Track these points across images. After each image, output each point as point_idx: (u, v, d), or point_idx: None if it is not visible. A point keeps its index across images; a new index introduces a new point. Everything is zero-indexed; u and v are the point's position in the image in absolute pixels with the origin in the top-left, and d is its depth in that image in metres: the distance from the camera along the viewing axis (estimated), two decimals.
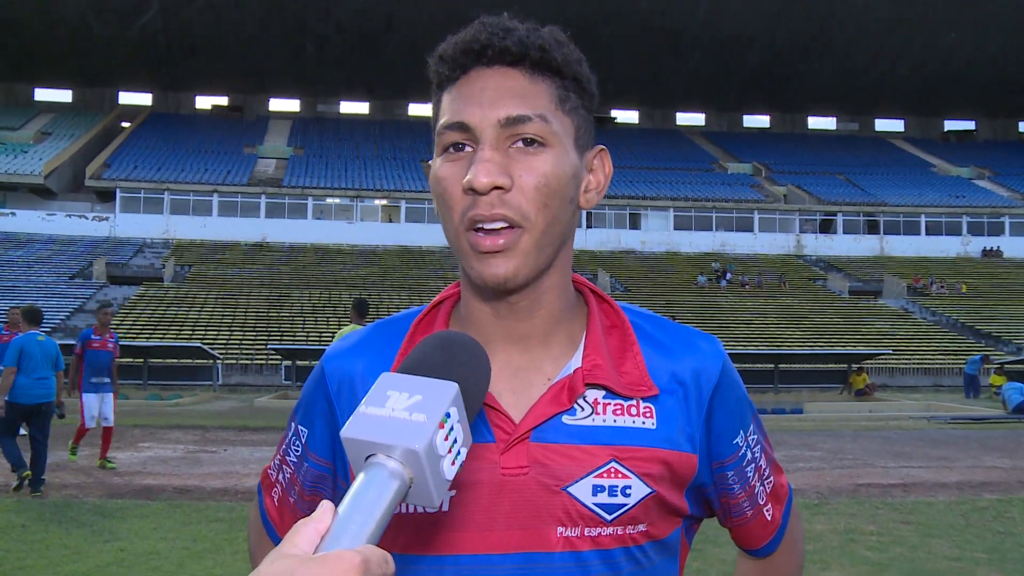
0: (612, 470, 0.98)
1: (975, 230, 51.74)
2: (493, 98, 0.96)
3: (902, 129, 69.15)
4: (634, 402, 1.01)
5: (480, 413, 0.98)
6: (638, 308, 1.11)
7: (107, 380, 9.83)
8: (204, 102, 64.25)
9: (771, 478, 1.13)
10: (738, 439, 1.07)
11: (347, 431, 0.74)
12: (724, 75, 62.11)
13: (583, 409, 1.00)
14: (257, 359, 29.81)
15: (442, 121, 0.98)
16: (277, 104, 64.68)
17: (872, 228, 52.10)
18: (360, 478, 0.72)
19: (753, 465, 1.09)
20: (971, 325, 37.71)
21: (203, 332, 31.09)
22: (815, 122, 69.40)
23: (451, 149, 0.98)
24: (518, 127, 0.95)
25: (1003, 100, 64.90)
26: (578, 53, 1.02)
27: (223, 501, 7.92)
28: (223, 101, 64.13)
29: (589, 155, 1.04)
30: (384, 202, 50.27)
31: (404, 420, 0.74)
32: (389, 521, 0.72)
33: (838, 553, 6.06)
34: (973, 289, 43.07)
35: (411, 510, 0.98)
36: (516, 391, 1.02)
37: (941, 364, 32.72)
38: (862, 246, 50.66)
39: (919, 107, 66.92)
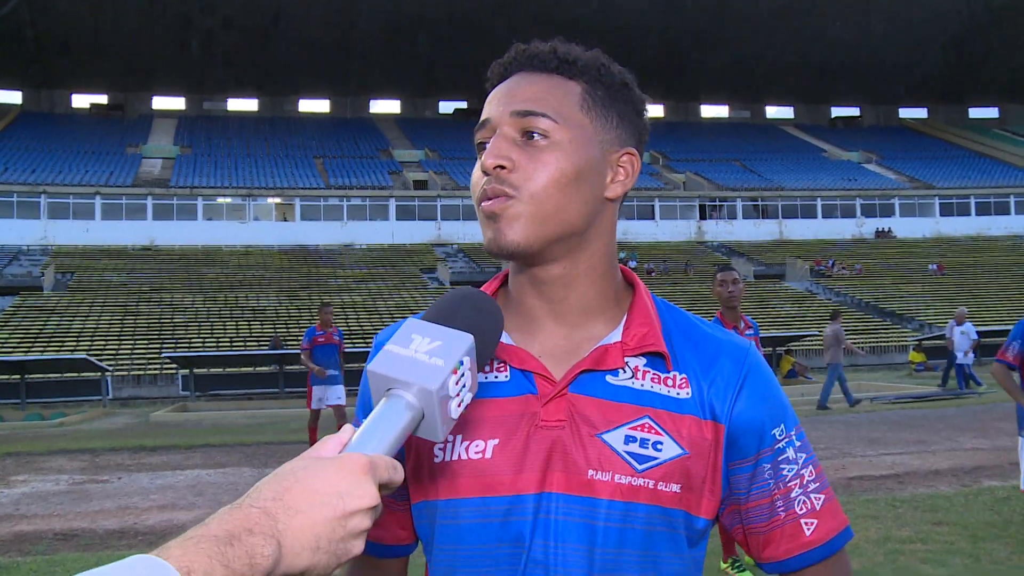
0: (646, 425, 1.03)
1: (868, 212, 52.86)
2: (510, 96, 1.07)
3: (792, 116, 70.59)
4: (671, 375, 1.06)
5: (527, 371, 1.06)
6: (675, 307, 1.16)
7: None
8: (81, 100, 60.59)
9: (821, 496, 1.09)
10: (774, 431, 1.07)
11: (374, 366, 0.84)
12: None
13: (624, 372, 1.06)
14: (151, 369, 27.67)
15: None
16: (161, 102, 61.73)
17: (771, 212, 52.70)
18: (380, 405, 0.83)
19: (794, 467, 1.08)
20: (875, 304, 38.23)
21: (89, 343, 28.71)
22: (708, 110, 70.18)
23: (482, 146, 1.08)
24: (525, 120, 1.05)
25: (884, 88, 67.03)
26: (604, 61, 1.13)
27: (119, 547, 6.38)
28: (102, 99, 60.62)
29: (615, 155, 1.10)
30: (277, 200, 48.22)
31: (424, 362, 0.83)
32: (403, 443, 0.83)
33: (890, 570, 5.06)
34: (870, 269, 43.84)
35: (455, 457, 1.04)
36: (558, 357, 1.08)
37: (853, 343, 32.82)
38: (762, 230, 51.16)
39: (807, 94, 68.43)
